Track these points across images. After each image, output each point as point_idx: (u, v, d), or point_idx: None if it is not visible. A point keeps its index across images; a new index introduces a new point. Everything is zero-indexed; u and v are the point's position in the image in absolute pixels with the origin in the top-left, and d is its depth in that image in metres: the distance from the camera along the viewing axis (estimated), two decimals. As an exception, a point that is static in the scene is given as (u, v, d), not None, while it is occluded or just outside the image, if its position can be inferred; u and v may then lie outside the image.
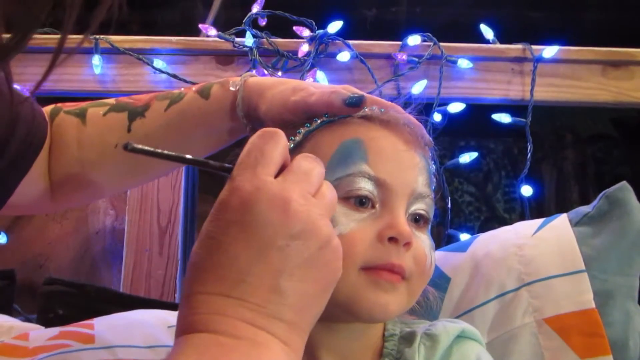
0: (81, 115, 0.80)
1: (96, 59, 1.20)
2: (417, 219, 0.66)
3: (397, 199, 0.64)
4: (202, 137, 0.78)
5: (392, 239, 0.62)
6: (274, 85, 0.73)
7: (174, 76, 1.20)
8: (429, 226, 0.69)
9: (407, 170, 0.66)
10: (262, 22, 1.23)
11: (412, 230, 0.64)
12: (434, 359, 0.66)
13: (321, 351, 0.67)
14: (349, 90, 0.68)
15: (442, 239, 1.24)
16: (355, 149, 0.65)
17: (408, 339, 0.68)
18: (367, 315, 0.63)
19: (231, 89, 0.75)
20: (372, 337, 0.69)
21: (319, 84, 0.76)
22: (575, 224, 0.85)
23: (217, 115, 0.76)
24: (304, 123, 0.69)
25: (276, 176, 0.53)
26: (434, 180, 0.72)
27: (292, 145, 0.69)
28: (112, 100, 0.81)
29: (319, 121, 0.69)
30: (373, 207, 0.64)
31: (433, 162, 0.73)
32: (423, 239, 0.66)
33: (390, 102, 0.71)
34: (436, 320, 0.72)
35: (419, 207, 0.66)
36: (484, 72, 1.26)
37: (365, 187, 0.64)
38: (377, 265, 0.62)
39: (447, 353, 0.67)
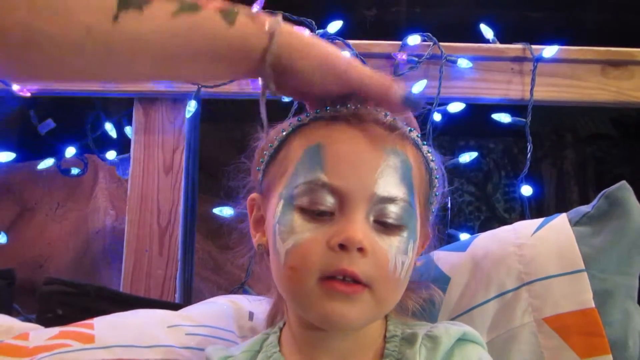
0: None
1: (96, 59, 1.19)
2: (385, 224, 0.64)
3: (353, 205, 0.63)
4: (207, 64, 0.64)
5: (342, 246, 0.61)
6: (321, 45, 0.65)
7: (174, 76, 1.19)
8: (409, 230, 0.65)
9: (365, 173, 0.64)
10: (262, 22, 1.23)
11: (374, 234, 0.63)
12: None
13: (319, 353, 0.67)
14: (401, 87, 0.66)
15: (442, 238, 1.24)
16: (315, 155, 0.64)
17: (409, 340, 0.68)
18: (326, 325, 0.64)
19: (266, 29, 0.63)
20: (369, 337, 0.69)
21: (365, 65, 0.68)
22: (574, 223, 0.85)
23: (240, 50, 0.63)
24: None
25: None
26: (425, 176, 0.69)
27: (272, 151, 0.69)
28: None
29: (290, 127, 0.68)
30: (332, 214, 0.63)
31: (430, 154, 0.71)
32: (390, 243, 0.64)
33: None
34: (438, 322, 0.72)
35: (386, 212, 0.64)
36: (484, 72, 1.26)
37: (321, 200, 0.63)
38: (331, 272, 0.62)
39: (448, 355, 0.67)
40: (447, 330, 0.68)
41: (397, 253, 0.64)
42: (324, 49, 0.65)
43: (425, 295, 0.75)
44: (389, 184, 0.64)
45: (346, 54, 0.64)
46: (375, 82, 0.65)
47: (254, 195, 0.73)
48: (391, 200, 0.64)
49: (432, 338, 0.67)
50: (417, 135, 0.70)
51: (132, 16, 0.60)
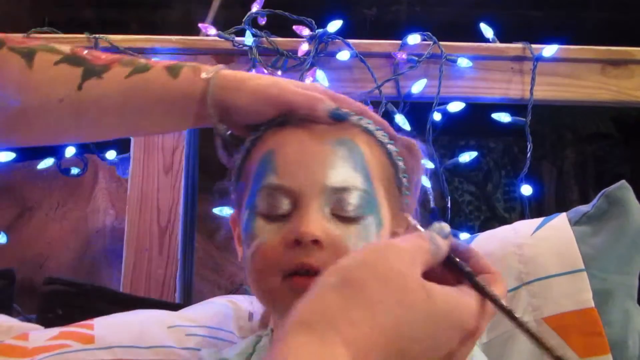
0: (29, 56, 0.73)
1: (96, 59, 1.19)
2: (343, 213, 0.64)
3: (306, 201, 0.63)
4: (161, 115, 0.74)
5: (298, 242, 0.62)
6: (252, 78, 0.71)
7: (174, 76, 1.19)
8: (372, 216, 0.65)
9: (315, 168, 0.64)
10: (262, 21, 1.23)
11: (331, 225, 0.63)
12: None
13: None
14: (329, 95, 0.69)
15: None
16: (267, 161, 0.66)
17: None
18: None
19: (203, 75, 0.71)
20: None
21: (299, 82, 0.75)
22: (574, 223, 0.85)
23: (184, 97, 0.72)
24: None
25: None
26: (384, 160, 0.69)
27: (237, 169, 0.71)
28: (66, 49, 0.74)
29: (248, 142, 0.70)
30: (290, 215, 0.64)
31: (389, 142, 0.70)
32: (349, 232, 0.63)
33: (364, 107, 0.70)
34: None
35: (342, 202, 0.63)
36: (484, 71, 1.26)
37: (277, 202, 0.64)
38: (292, 269, 0.62)
39: None
40: None
41: (358, 240, 0.63)
42: (255, 81, 0.71)
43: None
44: (340, 174, 0.64)
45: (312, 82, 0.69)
46: (304, 98, 0.68)
47: (233, 213, 0.75)
48: (345, 190, 0.64)
49: None
50: (369, 122, 0.69)
51: (94, 83, 0.72)
